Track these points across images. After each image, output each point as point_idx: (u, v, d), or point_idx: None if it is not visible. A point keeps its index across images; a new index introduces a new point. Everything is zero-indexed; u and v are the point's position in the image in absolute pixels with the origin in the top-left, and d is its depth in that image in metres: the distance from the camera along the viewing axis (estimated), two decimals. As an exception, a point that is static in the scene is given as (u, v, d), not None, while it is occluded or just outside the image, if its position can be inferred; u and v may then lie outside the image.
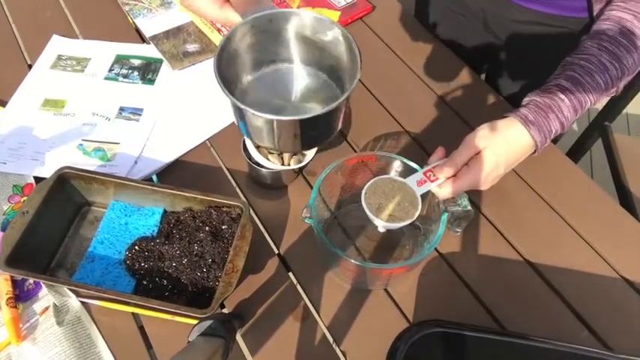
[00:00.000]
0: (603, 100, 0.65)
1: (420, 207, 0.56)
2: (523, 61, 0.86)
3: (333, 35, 0.32)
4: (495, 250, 0.66)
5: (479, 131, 0.59)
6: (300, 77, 0.35)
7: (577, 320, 0.61)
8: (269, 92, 0.34)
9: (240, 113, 0.30)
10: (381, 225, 0.56)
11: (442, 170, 0.58)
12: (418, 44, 0.90)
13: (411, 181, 0.58)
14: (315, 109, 0.32)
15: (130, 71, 0.84)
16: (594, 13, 0.67)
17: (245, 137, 0.64)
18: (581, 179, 0.74)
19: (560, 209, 0.70)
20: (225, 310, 0.61)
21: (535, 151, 0.62)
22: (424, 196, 0.57)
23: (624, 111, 1.40)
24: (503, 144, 0.59)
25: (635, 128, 1.84)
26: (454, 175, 0.58)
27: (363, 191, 0.57)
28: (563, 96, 0.60)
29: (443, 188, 0.57)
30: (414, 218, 0.56)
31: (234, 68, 0.32)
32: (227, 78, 0.30)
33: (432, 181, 0.58)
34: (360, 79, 0.83)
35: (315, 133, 0.33)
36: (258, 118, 0.30)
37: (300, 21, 0.32)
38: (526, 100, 0.63)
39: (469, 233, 0.67)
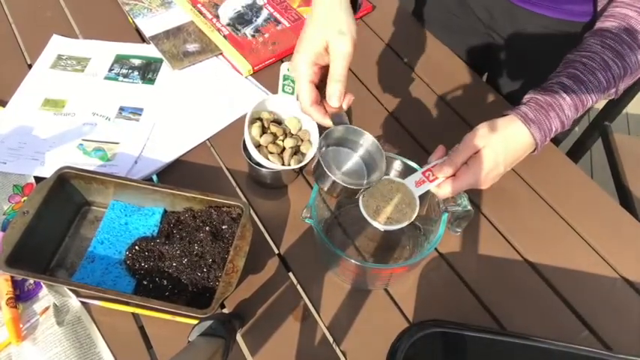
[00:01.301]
0: (602, 101, 0.64)
1: (417, 208, 0.56)
2: (524, 62, 0.85)
3: (379, 154, 0.56)
4: (495, 250, 0.66)
5: (478, 130, 0.59)
6: (352, 160, 0.58)
7: (577, 320, 0.61)
8: (335, 161, 0.57)
9: (319, 169, 0.54)
10: (379, 227, 0.55)
11: (441, 170, 0.57)
12: (418, 44, 0.90)
13: (410, 181, 0.58)
14: (352, 184, 0.54)
15: (130, 71, 0.84)
16: (598, 17, 0.66)
17: (245, 137, 0.64)
18: (581, 179, 0.74)
19: (560, 209, 0.70)
20: (225, 310, 0.61)
21: (535, 149, 0.61)
22: (424, 196, 0.57)
23: (624, 111, 1.40)
24: (502, 142, 0.58)
25: (635, 128, 1.84)
26: (453, 175, 0.58)
27: (361, 194, 0.56)
28: (564, 94, 0.59)
29: (442, 188, 0.57)
30: (412, 220, 0.55)
31: (322, 143, 0.56)
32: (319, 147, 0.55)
33: (430, 181, 0.57)
34: (360, 80, 0.84)
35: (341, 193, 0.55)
36: (328, 177, 0.53)
37: (360, 136, 0.57)
38: (527, 97, 0.62)
39: (469, 233, 0.67)
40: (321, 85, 0.57)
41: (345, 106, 0.57)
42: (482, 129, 0.58)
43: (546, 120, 0.59)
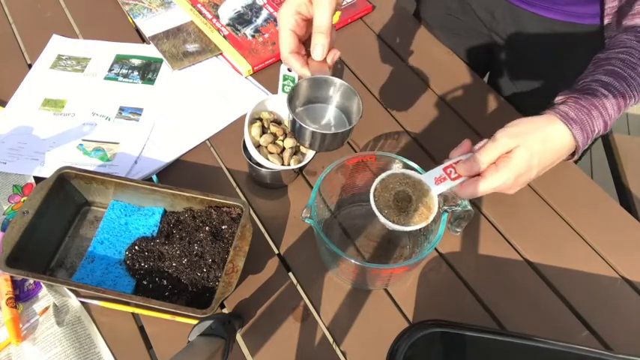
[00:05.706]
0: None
1: (436, 209, 0.52)
2: (526, 63, 0.85)
3: (352, 94, 0.55)
4: (495, 250, 0.66)
5: (511, 127, 0.52)
6: (329, 113, 0.59)
7: (577, 320, 0.61)
8: (310, 118, 0.58)
9: (296, 126, 0.54)
10: (391, 226, 0.52)
11: (466, 168, 0.52)
12: (418, 44, 0.90)
13: (428, 178, 0.53)
14: (331, 131, 0.55)
15: (130, 71, 0.84)
16: (604, 18, 0.64)
17: (245, 137, 0.64)
18: (581, 179, 0.74)
19: (560, 209, 0.70)
20: (225, 310, 0.61)
21: (573, 153, 0.55)
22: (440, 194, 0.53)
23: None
24: (539, 143, 0.51)
25: (635, 128, 1.84)
26: (478, 174, 0.52)
27: (373, 187, 0.53)
28: (606, 92, 0.53)
29: (465, 188, 0.52)
30: (429, 221, 0.51)
31: (294, 102, 0.56)
32: (290, 106, 0.54)
33: (452, 179, 0.52)
34: (360, 80, 0.84)
35: (330, 144, 0.56)
36: (306, 130, 0.53)
37: (335, 83, 0.56)
38: (561, 97, 0.56)
39: (469, 233, 0.67)
40: (309, 43, 0.57)
41: (329, 62, 0.56)
42: (515, 127, 0.52)
43: (589, 120, 0.52)
